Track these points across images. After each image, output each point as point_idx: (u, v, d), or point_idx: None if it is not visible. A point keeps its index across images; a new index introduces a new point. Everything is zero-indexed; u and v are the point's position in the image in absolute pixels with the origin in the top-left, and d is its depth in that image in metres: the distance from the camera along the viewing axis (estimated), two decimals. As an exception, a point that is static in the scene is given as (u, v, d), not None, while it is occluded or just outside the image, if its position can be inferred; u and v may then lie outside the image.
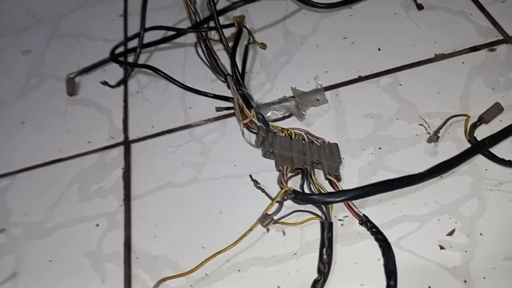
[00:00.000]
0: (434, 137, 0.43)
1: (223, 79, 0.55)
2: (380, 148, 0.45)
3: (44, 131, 0.57)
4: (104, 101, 0.59)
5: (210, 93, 0.54)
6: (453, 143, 0.44)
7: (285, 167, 0.42)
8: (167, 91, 0.57)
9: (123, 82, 0.59)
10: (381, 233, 0.39)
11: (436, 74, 0.50)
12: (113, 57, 0.61)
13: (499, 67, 0.49)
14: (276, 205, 0.40)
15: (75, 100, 0.60)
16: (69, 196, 0.50)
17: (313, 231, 0.41)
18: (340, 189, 0.41)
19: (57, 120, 0.58)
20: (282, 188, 0.40)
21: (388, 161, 0.44)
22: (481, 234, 0.38)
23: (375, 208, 0.41)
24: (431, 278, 0.37)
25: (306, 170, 0.42)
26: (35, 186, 0.52)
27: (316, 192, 0.41)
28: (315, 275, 0.38)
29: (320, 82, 0.50)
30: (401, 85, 0.50)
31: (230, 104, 0.52)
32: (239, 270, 0.40)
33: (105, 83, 0.60)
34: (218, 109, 0.51)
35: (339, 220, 0.42)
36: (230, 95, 0.52)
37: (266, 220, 0.39)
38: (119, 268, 0.43)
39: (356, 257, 0.39)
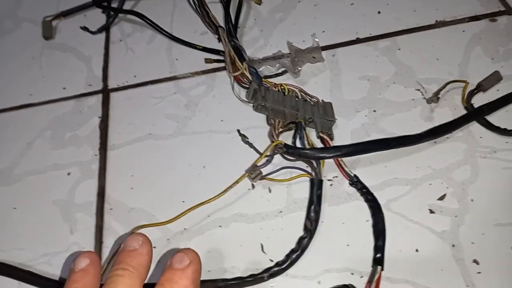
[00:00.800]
0: (434, 98, 0.42)
1: (213, 32, 0.51)
2: (374, 111, 0.44)
3: (16, 74, 0.53)
4: (83, 47, 0.55)
5: (200, 45, 0.51)
6: (449, 109, 0.43)
7: (277, 120, 0.40)
8: (152, 41, 0.54)
9: (105, 28, 0.55)
10: (371, 194, 0.37)
11: (435, 41, 0.48)
12: (96, 2, 0.56)
13: (499, 38, 0.47)
14: (265, 159, 0.38)
15: (51, 44, 0.56)
16: (41, 143, 0.46)
17: (300, 189, 0.39)
18: (333, 147, 0.39)
19: (31, 65, 0.54)
20: (273, 142, 0.38)
21: (383, 123, 0.43)
22: (472, 200, 0.37)
23: (367, 169, 0.40)
24: (419, 241, 0.36)
25: (300, 124, 0.39)
26: (2, 131, 0.48)
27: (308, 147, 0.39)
28: (299, 233, 0.37)
29: (317, 40, 0.47)
30: (399, 49, 0.48)
31: (220, 57, 0.49)
32: (220, 226, 0.38)
33: (85, 28, 0.56)
34: (208, 60, 0.48)
35: (329, 180, 0.40)
36: (221, 49, 0.50)
37: (254, 172, 0.37)
38: (91, 218, 0.41)
39: (344, 217, 0.38)
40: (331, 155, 0.37)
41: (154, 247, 0.37)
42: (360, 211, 0.38)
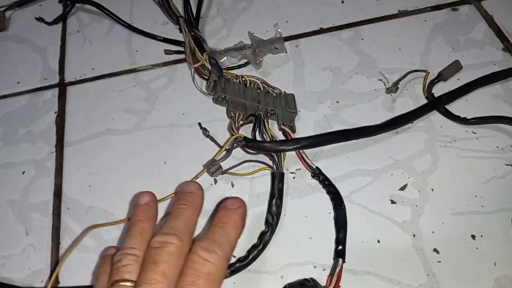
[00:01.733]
0: (393, 88, 0.42)
1: (174, 22, 0.50)
2: (337, 102, 0.43)
3: (-35, 68, 0.50)
4: (38, 39, 0.52)
5: (160, 36, 0.49)
6: (411, 99, 0.43)
7: (237, 113, 0.39)
8: (111, 31, 0.51)
9: (62, 19, 0.53)
10: (333, 186, 0.37)
11: (398, 30, 0.48)
12: (51, -9, 0.54)
13: (460, 27, 0.48)
14: (225, 153, 0.37)
15: (4, 36, 0.53)
16: (-8, 140, 0.44)
17: (263, 183, 0.39)
18: (294, 139, 0.39)
19: (-19, 57, 0.51)
20: (232, 135, 0.37)
21: (345, 114, 0.42)
22: (432, 190, 0.38)
23: (329, 161, 0.39)
24: (380, 231, 0.36)
25: (260, 117, 0.39)
26: (-50, 128, 0.45)
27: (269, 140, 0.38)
28: (263, 227, 0.36)
29: (279, 30, 0.46)
30: (362, 39, 0.48)
31: (181, 48, 0.47)
32: (181, 222, 0.37)
33: (40, 19, 0.53)
34: (167, 51, 0.47)
35: (291, 173, 0.39)
36: (182, 40, 0.48)
37: (213, 166, 0.36)
38: (47, 219, 0.39)
39: (307, 210, 0.37)
40: (291, 147, 0.37)
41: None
42: (322, 204, 0.37)
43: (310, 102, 0.44)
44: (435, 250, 0.35)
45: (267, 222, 0.36)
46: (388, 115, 0.41)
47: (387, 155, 0.40)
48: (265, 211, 0.37)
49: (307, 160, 0.38)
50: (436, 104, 0.41)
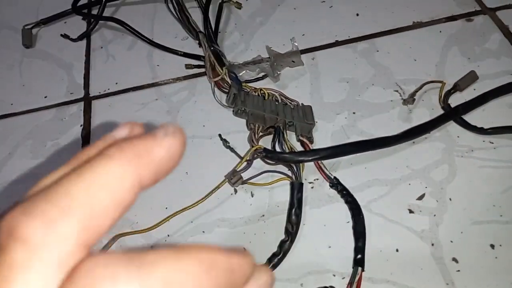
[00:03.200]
0: (409, 100, 0.43)
1: (194, 37, 0.52)
2: (354, 113, 0.44)
3: (-5, 84, 0.52)
4: (64, 55, 0.54)
5: (180, 51, 0.51)
6: (427, 109, 0.43)
7: (256, 125, 0.40)
8: (133, 47, 0.53)
9: (86, 35, 0.55)
10: (351, 196, 0.38)
11: (413, 42, 0.49)
12: (76, 9, 0.56)
13: (475, 37, 0.48)
14: (246, 164, 0.38)
15: (32, 52, 0.55)
16: (22, 152, 0.46)
17: (283, 193, 0.40)
18: (312, 150, 0.40)
19: (11, 73, 0.53)
20: (252, 147, 0.38)
21: (362, 125, 0.43)
22: (450, 199, 0.38)
23: (347, 171, 0.40)
24: (399, 240, 0.36)
25: (279, 129, 0.40)
26: (-17, 141, 0.47)
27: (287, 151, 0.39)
28: (282, 237, 0.37)
29: (296, 44, 0.48)
30: (378, 51, 0.49)
31: (201, 63, 0.49)
32: (203, 231, 0.38)
33: (65, 36, 0.55)
34: (188, 66, 0.48)
35: (310, 183, 0.40)
36: (202, 54, 0.50)
37: (234, 177, 0.37)
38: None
39: (325, 219, 0.38)
40: (310, 158, 0.38)
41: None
42: (341, 213, 0.38)
43: (327, 113, 0.45)
44: (454, 259, 0.35)
45: (287, 231, 0.37)
46: (404, 126, 0.42)
47: (405, 165, 0.40)
48: (284, 220, 0.38)
49: (325, 171, 0.39)
50: (453, 114, 0.41)
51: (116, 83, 0.50)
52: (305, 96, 0.46)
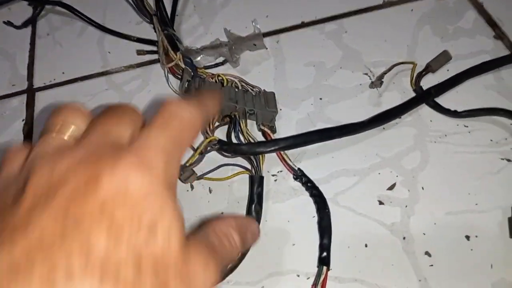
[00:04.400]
0: (377, 82, 0.40)
1: (149, 21, 0.47)
2: (320, 99, 0.41)
3: None
4: (6, 43, 0.50)
5: (134, 36, 0.47)
6: (398, 93, 0.40)
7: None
8: (83, 34, 0.49)
9: (31, 22, 0.50)
10: (316, 188, 0.35)
11: (383, 22, 0.46)
12: (20, -7, 0.51)
13: (448, 16, 0.45)
14: (198, 157, 0.35)
15: (-29, 42, 0.50)
16: (-44, 152, 0.41)
17: (243, 188, 0.36)
18: (273, 140, 0.37)
19: None
20: (206, 138, 0.35)
21: (329, 112, 0.40)
22: (422, 188, 0.35)
23: (312, 162, 0.37)
24: (368, 235, 0.33)
25: (235, 118, 0.36)
26: None
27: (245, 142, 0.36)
28: (242, 235, 0.34)
29: (258, 26, 0.44)
30: (346, 32, 0.45)
31: (154, 48, 0.45)
32: (156, 233, 0.35)
33: (9, 23, 0.51)
34: (140, 52, 0.44)
35: (273, 175, 0.37)
36: (156, 39, 0.46)
37: (184, 172, 0.33)
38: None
39: (289, 214, 0.35)
40: (269, 149, 0.34)
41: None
42: (306, 207, 0.35)
43: (292, 100, 0.41)
44: (427, 253, 0.32)
45: None
46: (374, 111, 0.39)
47: (374, 153, 0.37)
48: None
49: (289, 162, 0.36)
50: (425, 97, 0.38)
51: (63, 73, 0.46)
52: (268, 82, 0.42)
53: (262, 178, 0.35)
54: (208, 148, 0.34)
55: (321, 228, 0.33)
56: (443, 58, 0.41)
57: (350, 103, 0.40)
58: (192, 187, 0.37)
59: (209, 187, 0.37)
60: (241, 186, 0.37)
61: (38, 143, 0.17)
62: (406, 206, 0.34)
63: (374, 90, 0.41)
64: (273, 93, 0.40)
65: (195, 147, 0.35)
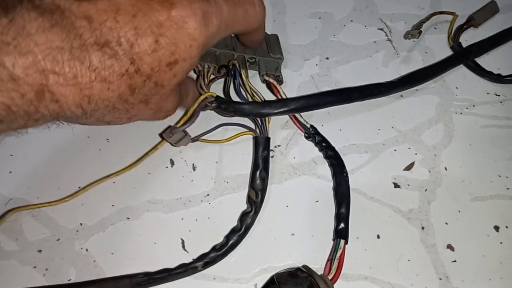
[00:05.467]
0: (415, 32, 0.33)
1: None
2: (327, 58, 0.34)
3: None
4: None
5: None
6: (419, 54, 0.34)
7: (205, 66, 0.30)
8: None
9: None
10: (332, 148, 0.30)
11: (403, -34, 0.38)
12: None
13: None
14: (190, 118, 0.28)
15: None
16: None
17: (232, 166, 0.31)
18: (282, 94, 0.30)
19: None
20: (201, 94, 0.28)
21: (337, 75, 0.34)
22: (445, 169, 0.30)
23: (316, 135, 0.31)
24: (381, 224, 0.28)
25: (234, 68, 0.30)
26: None
27: (249, 99, 0.30)
28: (232, 223, 0.28)
29: None
30: (358, -23, 0.38)
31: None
32: (128, 218, 0.29)
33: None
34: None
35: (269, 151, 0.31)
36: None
37: (173, 134, 0.27)
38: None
39: (288, 198, 0.29)
40: (276, 111, 0.29)
41: (39, 250, 0.28)
42: (308, 189, 0.30)
43: (294, 59, 0.35)
44: (449, 247, 0.27)
45: (249, 200, 0.28)
46: (391, 75, 0.33)
47: (390, 125, 0.31)
48: (235, 199, 0.29)
49: (300, 118, 0.30)
50: (466, 55, 0.32)
51: None
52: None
53: (268, 139, 0.29)
54: (204, 106, 0.28)
55: (338, 195, 0.28)
56: (489, 10, 0.35)
57: (362, 64, 0.34)
58: (172, 162, 0.31)
59: (193, 164, 0.31)
60: (230, 164, 0.31)
61: None
62: (426, 190, 0.29)
63: (391, 49, 0.35)
64: (276, 36, 0.33)
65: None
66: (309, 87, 0.33)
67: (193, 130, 0.30)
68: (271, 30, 0.36)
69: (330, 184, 0.29)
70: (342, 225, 0.27)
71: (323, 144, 0.30)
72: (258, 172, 0.29)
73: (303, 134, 0.31)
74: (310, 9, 0.37)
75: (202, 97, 0.28)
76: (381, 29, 0.35)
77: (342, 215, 0.27)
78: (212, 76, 0.31)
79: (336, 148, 0.30)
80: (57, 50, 0.18)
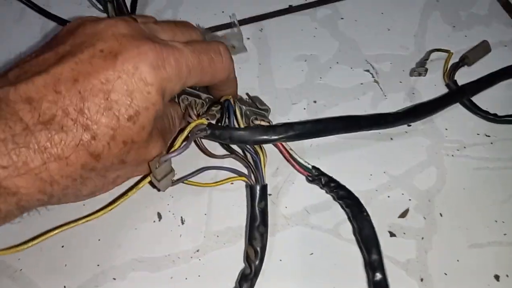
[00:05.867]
0: (421, 70, 0.33)
1: (101, 9, 0.38)
2: (315, 102, 0.34)
3: None
4: None
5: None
6: (406, 94, 0.34)
7: (193, 100, 0.28)
8: (23, 17, 0.40)
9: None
10: (343, 188, 0.27)
11: (385, 6, 0.39)
12: None
13: (460, 0, 0.39)
14: (181, 147, 0.26)
15: None
16: None
17: (223, 218, 0.29)
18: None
19: None
20: (189, 123, 0.26)
21: (325, 118, 0.33)
22: (440, 215, 0.29)
23: (304, 182, 0.30)
24: (378, 276, 0.27)
25: (228, 102, 0.28)
26: None
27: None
28: (224, 281, 0.27)
29: (237, 22, 0.36)
30: (342, 18, 0.38)
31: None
32: (114, 278, 0.28)
33: None
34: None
35: (259, 200, 0.30)
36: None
37: (160, 165, 0.25)
38: None
39: (281, 252, 0.28)
40: (280, 136, 0.26)
41: None
42: (303, 242, 0.28)
43: (281, 103, 0.34)
44: (450, 298, 0.27)
45: (248, 259, 0.26)
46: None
47: (382, 170, 0.31)
48: (227, 254, 0.28)
49: (299, 159, 0.28)
50: (460, 94, 0.32)
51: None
52: (251, 80, 0.35)
53: (265, 187, 0.27)
54: (195, 134, 0.26)
55: (364, 240, 0.26)
56: (482, 49, 0.35)
57: (351, 106, 0.34)
58: (160, 216, 0.30)
59: (181, 216, 0.30)
60: (219, 217, 0.30)
61: None
62: (423, 238, 0.28)
63: (378, 91, 0.34)
64: (257, 97, 0.32)
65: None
66: (298, 132, 0.33)
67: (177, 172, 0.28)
68: (257, 74, 0.36)
69: (324, 234, 0.28)
70: (379, 275, 0.24)
71: (331, 184, 0.28)
72: (256, 227, 0.26)
73: (304, 177, 0.29)
74: (296, 51, 0.37)
75: (192, 125, 0.26)
76: (367, 70, 0.35)
77: (375, 263, 0.25)
78: (200, 110, 0.29)
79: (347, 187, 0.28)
80: (1, 143, 0.17)
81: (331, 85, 0.35)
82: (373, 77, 0.35)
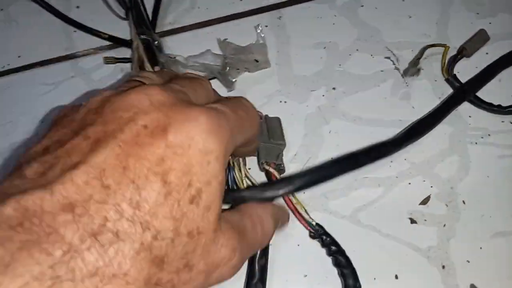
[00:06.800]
0: (413, 70, 0.32)
1: (124, 17, 0.38)
2: (334, 89, 0.34)
3: None
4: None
5: (105, 34, 0.37)
6: (428, 81, 0.33)
7: None
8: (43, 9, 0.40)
9: (-20, -6, 0.42)
10: (342, 254, 0.26)
11: (407, -7, 0.38)
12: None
13: (485, -14, 0.38)
14: None
15: None
16: None
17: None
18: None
19: None
20: None
21: (345, 105, 0.33)
22: (463, 202, 0.28)
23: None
24: (399, 263, 0.27)
25: (227, 166, 0.26)
26: None
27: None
28: None
29: (262, 34, 0.35)
30: (362, 6, 0.38)
31: (128, 53, 0.36)
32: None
33: (-47, -5, 0.42)
34: (109, 60, 0.35)
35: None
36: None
37: None
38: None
39: None
40: (281, 192, 0.24)
41: None
42: None
43: (299, 90, 0.34)
44: (473, 287, 0.26)
45: None
46: (401, 104, 0.32)
47: (402, 157, 0.30)
48: None
49: (303, 214, 0.27)
50: (462, 95, 0.31)
51: (19, 57, 0.38)
52: (268, 71, 0.35)
53: (267, 245, 0.26)
54: None
55: None
56: (480, 38, 0.34)
57: (371, 94, 0.33)
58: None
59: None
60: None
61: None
62: (444, 226, 0.28)
63: (399, 78, 0.34)
64: (278, 119, 0.31)
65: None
66: (316, 120, 0.32)
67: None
68: (276, 62, 0.35)
69: None
70: None
71: (332, 248, 0.27)
72: (253, 284, 0.25)
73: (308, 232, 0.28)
74: (314, 39, 0.36)
75: None
76: (388, 58, 0.35)
77: None
78: None
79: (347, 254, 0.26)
80: (35, 282, 0.12)
81: (351, 72, 0.34)
82: (394, 64, 0.34)
